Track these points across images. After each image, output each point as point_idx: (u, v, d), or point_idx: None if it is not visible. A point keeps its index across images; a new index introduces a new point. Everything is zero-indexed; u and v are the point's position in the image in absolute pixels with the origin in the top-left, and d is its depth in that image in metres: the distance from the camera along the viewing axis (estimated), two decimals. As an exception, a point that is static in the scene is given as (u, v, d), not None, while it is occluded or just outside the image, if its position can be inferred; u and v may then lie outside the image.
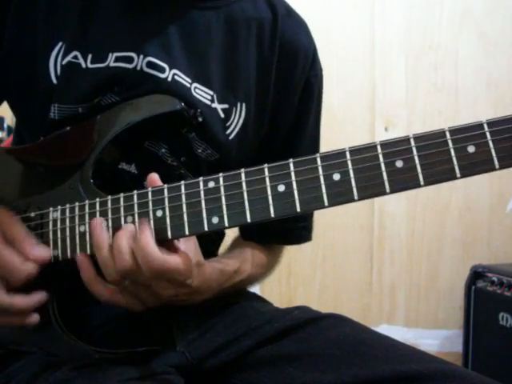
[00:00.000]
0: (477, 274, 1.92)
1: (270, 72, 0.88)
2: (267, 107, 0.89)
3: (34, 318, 0.73)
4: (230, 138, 0.86)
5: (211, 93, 0.84)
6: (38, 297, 0.72)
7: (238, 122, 0.86)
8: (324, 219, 2.07)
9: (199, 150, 0.84)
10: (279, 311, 0.88)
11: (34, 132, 0.85)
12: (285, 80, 0.89)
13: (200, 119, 0.82)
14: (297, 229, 0.99)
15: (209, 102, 0.83)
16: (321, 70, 0.97)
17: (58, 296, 0.76)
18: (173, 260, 0.66)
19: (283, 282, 2.09)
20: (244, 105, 0.86)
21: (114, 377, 0.70)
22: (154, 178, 0.70)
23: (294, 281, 2.10)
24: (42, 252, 0.72)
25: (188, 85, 0.82)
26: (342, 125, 2.08)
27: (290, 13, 0.94)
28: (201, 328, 0.84)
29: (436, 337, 2.14)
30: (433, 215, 2.13)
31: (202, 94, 0.83)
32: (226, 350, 0.80)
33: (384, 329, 2.10)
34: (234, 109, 0.86)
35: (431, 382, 0.68)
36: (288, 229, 0.96)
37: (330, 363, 0.74)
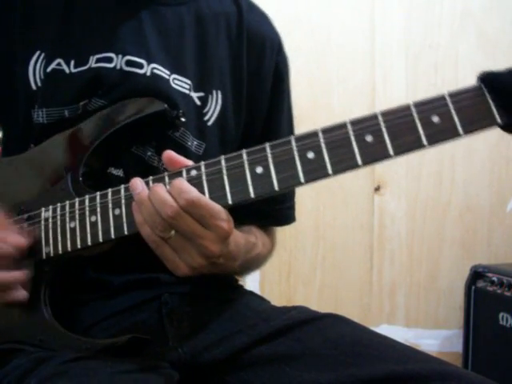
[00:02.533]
0: (477, 274, 1.92)
1: (241, 60, 0.95)
2: (243, 93, 0.95)
3: (21, 293, 0.77)
4: (209, 123, 0.91)
5: (189, 82, 0.90)
6: (17, 273, 0.76)
7: (215, 108, 0.92)
8: (324, 219, 2.07)
9: (189, 143, 0.89)
10: (276, 310, 0.88)
11: (19, 137, 0.88)
12: (256, 67, 0.96)
13: (183, 119, 0.86)
14: (285, 209, 1.03)
15: (187, 91, 0.89)
16: (287, 58, 1.03)
17: (51, 288, 0.79)
18: (205, 197, 0.68)
19: (283, 281, 2.09)
20: (219, 92, 0.92)
21: (105, 369, 0.70)
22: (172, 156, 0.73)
23: (294, 280, 2.10)
24: (17, 238, 0.77)
25: (167, 77, 0.88)
26: (342, 125, 2.08)
27: (253, 7, 1.01)
28: (195, 324, 0.84)
29: (436, 337, 2.14)
30: (433, 215, 2.13)
31: (180, 83, 0.89)
32: (220, 347, 0.80)
33: (384, 329, 2.10)
34: (210, 96, 0.92)
35: (429, 383, 0.68)
36: (277, 209, 1.00)
37: (327, 363, 0.74)
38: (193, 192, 0.68)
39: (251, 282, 1.99)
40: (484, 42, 2.09)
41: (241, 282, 1.02)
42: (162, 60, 0.88)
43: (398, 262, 2.14)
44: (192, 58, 0.91)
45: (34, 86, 0.86)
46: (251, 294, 1.00)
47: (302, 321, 0.82)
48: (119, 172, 0.86)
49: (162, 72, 0.88)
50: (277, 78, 0.99)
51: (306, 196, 1.99)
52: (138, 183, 0.71)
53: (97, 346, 0.75)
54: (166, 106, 0.83)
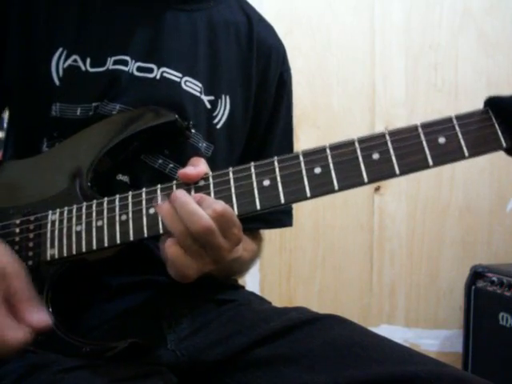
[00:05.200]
0: (477, 274, 1.92)
1: (250, 67, 0.98)
2: (251, 98, 0.98)
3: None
4: (218, 126, 0.94)
5: (200, 85, 0.92)
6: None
7: (224, 112, 0.94)
8: (324, 219, 2.07)
9: (199, 144, 0.91)
10: (276, 311, 0.88)
11: (34, 131, 0.89)
12: (263, 74, 1.00)
13: (193, 130, 0.89)
14: (276, 212, 1.01)
15: (198, 94, 0.92)
16: (290, 68, 1.07)
17: (53, 290, 0.79)
18: (229, 207, 0.69)
19: (283, 281, 2.09)
20: (228, 96, 0.95)
21: (102, 377, 0.69)
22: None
23: (294, 281, 2.10)
24: (41, 317, 0.63)
25: (178, 79, 0.90)
26: (341, 125, 2.08)
27: (261, 19, 1.05)
28: (193, 326, 0.84)
29: (436, 337, 2.14)
30: (433, 215, 2.13)
31: (192, 86, 0.91)
32: (218, 348, 0.80)
33: (384, 329, 2.10)
34: (220, 100, 0.94)
35: None
36: (268, 212, 1.01)
37: (325, 365, 0.74)
38: (221, 203, 0.68)
39: (251, 282, 1.99)
40: (484, 42, 2.09)
41: (241, 283, 1.02)
42: (174, 63, 0.90)
43: (398, 262, 2.14)
44: (204, 63, 0.93)
45: (57, 82, 0.87)
46: (252, 294, 0.99)
47: (301, 322, 0.81)
48: (126, 178, 0.86)
49: (173, 75, 0.90)
50: (280, 85, 1.03)
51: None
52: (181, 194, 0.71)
53: (96, 349, 0.75)
54: (176, 116, 0.84)
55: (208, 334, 0.82)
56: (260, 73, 0.99)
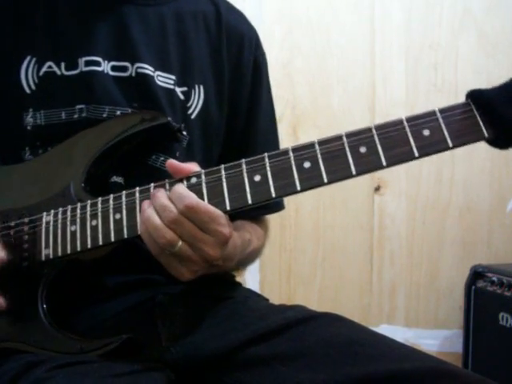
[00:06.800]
0: (477, 274, 1.92)
1: (221, 56, 0.99)
2: (224, 87, 0.99)
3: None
4: (193, 117, 0.95)
5: (173, 77, 0.93)
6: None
7: (198, 102, 0.96)
8: (324, 219, 2.07)
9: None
10: (273, 309, 0.88)
11: (10, 141, 0.90)
12: (236, 62, 1.01)
13: (184, 133, 0.91)
14: None
15: (172, 87, 0.93)
16: (265, 53, 1.08)
17: (48, 290, 0.79)
18: (204, 202, 0.71)
19: (283, 281, 2.09)
20: (202, 86, 0.96)
21: (96, 373, 0.70)
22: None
23: (294, 281, 2.10)
24: None
25: (152, 73, 0.91)
26: (342, 125, 2.08)
27: (230, 7, 1.06)
28: (188, 324, 0.84)
29: (436, 337, 2.14)
30: (433, 215, 2.13)
31: (164, 80, 0.93)
32: (213, 344, 0.80)
33: (384, 329, 2.10)
34: (193, 91, 0.95)
35: (425, 381, 0.68)
36: None
37: (323, 363, 0.74)
38: (192, 197, 0.69)
39: (251, 282, 1.99)
40: (484, 42, 2.09)
41: (241, 282, 1.02)
42: (146, 58, 0.91)
43: (398, 262, 2.14)
44: (175, 55, 0.94)
45: (27, 90, 0.88)
46: (249, 291, 1.00)
47: (298, 320, 0.81)
48: (120, 179, 0.88)
49: (147, 70, 0.91)
50: (255, 71, 1.03)
51: (306, 196, 1.99)
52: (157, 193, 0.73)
53: (90, 346, 0.75)
54: (169, 119, 0.87)
55: (203, 331, 0.83)
56: (233, 60, 1.00)
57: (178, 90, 0.94)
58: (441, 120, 0.68)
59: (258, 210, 0.99)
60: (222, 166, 0.73)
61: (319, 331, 0.79)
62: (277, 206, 1.07)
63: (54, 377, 0.69)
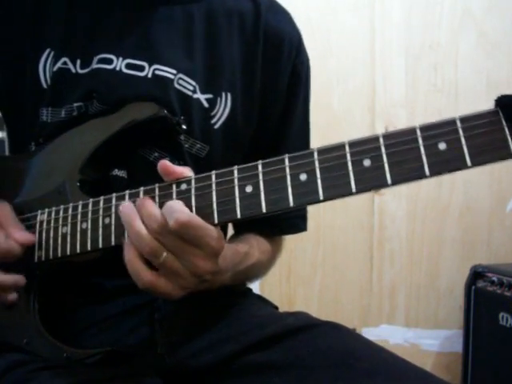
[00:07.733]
0: (477, 274, 1.92)
1: (255, 61, 0.90)
2: (255, 96, 0.90)
3: (13, 296, 0.77)
4: (216, 127, 0.87)
5: (193, 83, 0.86)
6: (17, 277, 0.76)
7: (223, 111, 0.88)
8: (324, 219, 2.07)
9: (186, 146, 0.85)
10: (273, 316, 0.86)
11: (25, 135, 0.87)
12: (272, 68, 0.91)
13: (184, 126, 0.83)
14: (290, 218, 0.97)
15: (190, 93, 0.85)
16: (307, 59, 0.98)
17: (41, 291, 0.78)
18: (197, 218, 0.64)
19: (283, 281, 2.09)
20: (229, 94, 0.88)
21: (76, 377, 0.69)
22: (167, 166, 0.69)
23: (294, 281, 2.10)
24: (25, 235, 0.76)
25: (172, 76, 0.84)
26: (341, 125, 2.08)
27: (273, 4, 0.95)
28: (186, 331, 0.82)
29: (436, 337, 2.14)
30: (433, 215, 2.12)
31: (184, 84, 0.85)
32: (208, 354, 0.79)
33: (384, 329, 2.10)
34: (219, 98, 0.87)
35: None
36: (281, 218, 0.94)
37: (317, 375, 0.72)
38: (184, 212, 0.63)
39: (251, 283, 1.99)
40: (484, 42, 2.09)
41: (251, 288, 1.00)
42: (167, 60, 0.85)
43: (398, 262, 2.13)
44: (201, 58, 0.87)
45: (44, 85, 0.85)
46: (257, 298, 0.96)
47: (296, 328, 0.79)
48: (123, 173, 0.84)
49: (166, 72, 0.85)
50: (293, 80, 0.94)
51: (305, 196, 1.99)
52: (126, 205, 0.67)
53: (76, 355, 0.74)
54: (165, 111, 0.81)
55: (199, 339, 0.81)
56: (268, 66, 0.91)
57: (202, 96, 0.86)
58: (461, 132, 0.56)
59: (269, 229, 0.94)
60: (214, 172, 0.67)
61: (316, 341, 0.77)
62: (293, 227, 0.98)
63: (35, 379, 0.68)
